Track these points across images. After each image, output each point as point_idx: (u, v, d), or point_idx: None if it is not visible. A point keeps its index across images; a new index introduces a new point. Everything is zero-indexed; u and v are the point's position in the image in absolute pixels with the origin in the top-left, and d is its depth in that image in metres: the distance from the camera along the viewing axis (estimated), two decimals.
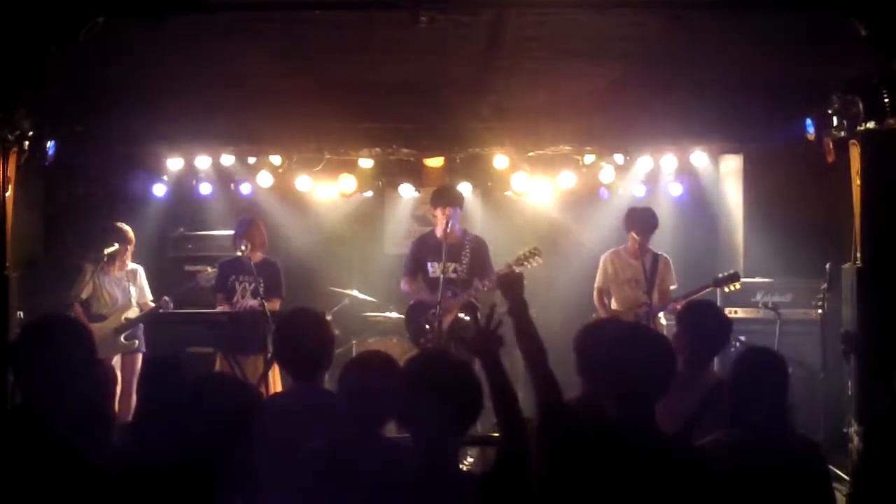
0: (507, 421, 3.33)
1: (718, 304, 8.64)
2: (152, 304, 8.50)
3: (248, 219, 8.46)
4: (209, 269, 8.57)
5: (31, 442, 3.19)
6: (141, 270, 8.64)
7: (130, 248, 8.49)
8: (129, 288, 8.47)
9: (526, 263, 8.03)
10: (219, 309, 8.24)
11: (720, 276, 8.13)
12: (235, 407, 3.19)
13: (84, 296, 8.29)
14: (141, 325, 8.48)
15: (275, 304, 8.08)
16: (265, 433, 4.11)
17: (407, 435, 3.33)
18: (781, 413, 3.92)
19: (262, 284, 7.90)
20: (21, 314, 7.16)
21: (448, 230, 7.94)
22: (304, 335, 4.39)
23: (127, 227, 8.47)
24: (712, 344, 5.02)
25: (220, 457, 3.09)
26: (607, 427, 3.45)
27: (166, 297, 8.42)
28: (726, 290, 8.17)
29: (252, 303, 8.00)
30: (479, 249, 8.15)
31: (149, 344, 8.54)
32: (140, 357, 8.45)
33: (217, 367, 7.87)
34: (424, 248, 8.25)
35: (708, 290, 8.13)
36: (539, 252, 8.05)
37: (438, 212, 8.04)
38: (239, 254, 8.15)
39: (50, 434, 3.21)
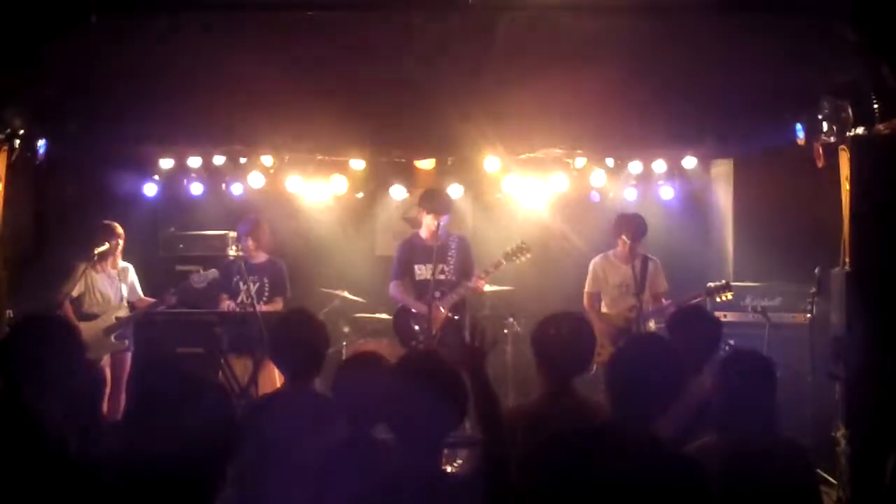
0: (490, 430, 3.36)
1: (708, 308, 8.69)
2: (150, 300, 8.47)
3: (252, 219, 8.48)
4: (201, 270, 8.54)
5: (19, 441, 3.18)
6: (131, 268, 8.63)
7: (121, 243, 8.47)
8: (121, 287, 8.47)
9: (514, 259, 8.07)
10: (219, 308, 8.24)
11: (711, 285, 8.16)
12: (211, 413, 3.16)
13: (75, 294, 8.27)
14: (130, 325, 8.46)
15: (278, 304, 8.11)
16: (259, 433, 4.12)
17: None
18: (769, 416, 3.92)
19: (267, 285, 7.91)
20: (10, 313, 7.15)
21: (438, 234, 7.94)
22: (299, 336, 4.41)
23: (116, 225, 8.46)
24: (704, 349, 5.03)
25: (207, 459, 3.07)
26: (594, 429, 3.47)
27: (172, 290, 8.39)
28: (717, 299, 8.20)
29: (265, 307, 7.98)
30: (463, 249, 8.17)
31: (138, 344, 8.53)
32: (129, 356, 8.45)
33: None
34: (411, 251, 8.23)
35: (699, 299, 8.17)
36: (527, 248, 8.09)
37: (430, 216, 8.01)
38: (241, 254, 8.14)
39: (38, 433, 3.21)
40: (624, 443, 3.31)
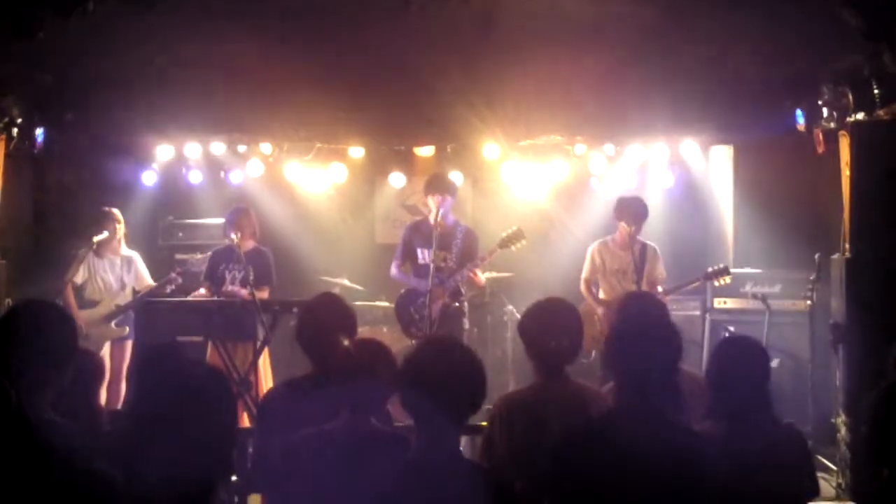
0: None
1: (708, 295, 8.70)
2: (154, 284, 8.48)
3: (239, 207, 8.45)
4: (199, 255, 8.54)
5: (12, 430, 3.16)
6: (137, 257, 8.61)
7: (121, 229, 8.46)
8: (123, 275, 8.46)
9: (510, 245, 8.08)
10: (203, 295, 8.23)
11: (710, 269, 8.14)
12: (215, 403, 3.14)
13: (79, 281, 8.26)
14: (131, 313, 8.45)
15: (264, 293, 8.06)
16: (284, 418, 4.09)
17: (408, 423, 3.33)
18: (764, 402, 3.92)
19: (251, 273, 7.89)
20: (9, 301, 7.15)
21: (439, 218, 7.93)
22: (328, 321, 4.36)
23: (115, 211, 8.45)
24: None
25: (214, 453, 3.05)
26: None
27: (180, 269, 8.38)
28: (716, 283, 8.19)
29: (239, 289, 8.00)
30: (469, 240, 8.16)
31: (138, 332, 8.50)
32: (129, 344, 8.44)
33: (208, 355, 7.84)
34: (417, 235, 8.25)
35: (697, 283, 8.17)
36: (523, 234, 8.10)
37: (430, 199, 8.03)
38: (229, 242, 8.13)
39: (33, 422, 3.19)
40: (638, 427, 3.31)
